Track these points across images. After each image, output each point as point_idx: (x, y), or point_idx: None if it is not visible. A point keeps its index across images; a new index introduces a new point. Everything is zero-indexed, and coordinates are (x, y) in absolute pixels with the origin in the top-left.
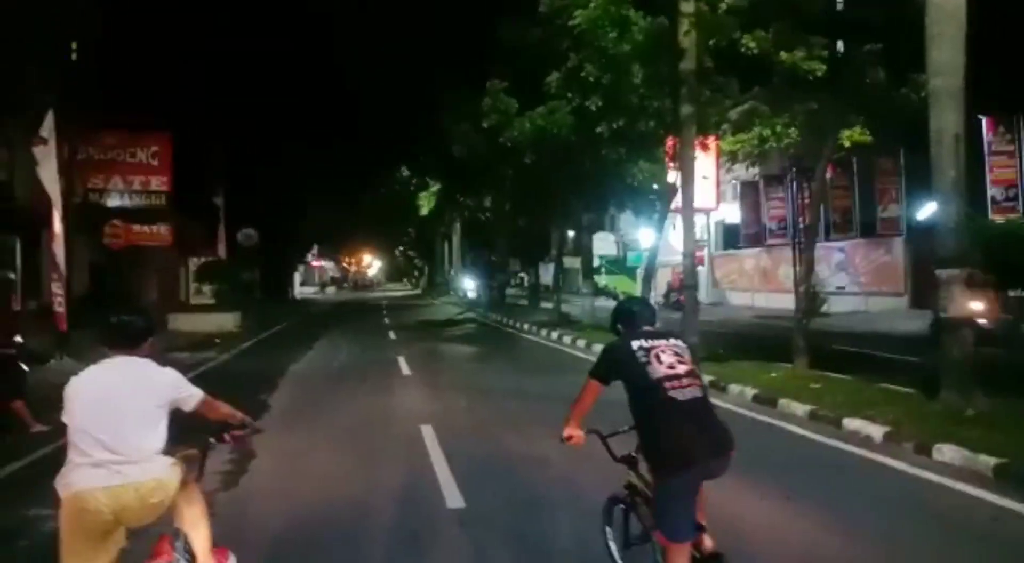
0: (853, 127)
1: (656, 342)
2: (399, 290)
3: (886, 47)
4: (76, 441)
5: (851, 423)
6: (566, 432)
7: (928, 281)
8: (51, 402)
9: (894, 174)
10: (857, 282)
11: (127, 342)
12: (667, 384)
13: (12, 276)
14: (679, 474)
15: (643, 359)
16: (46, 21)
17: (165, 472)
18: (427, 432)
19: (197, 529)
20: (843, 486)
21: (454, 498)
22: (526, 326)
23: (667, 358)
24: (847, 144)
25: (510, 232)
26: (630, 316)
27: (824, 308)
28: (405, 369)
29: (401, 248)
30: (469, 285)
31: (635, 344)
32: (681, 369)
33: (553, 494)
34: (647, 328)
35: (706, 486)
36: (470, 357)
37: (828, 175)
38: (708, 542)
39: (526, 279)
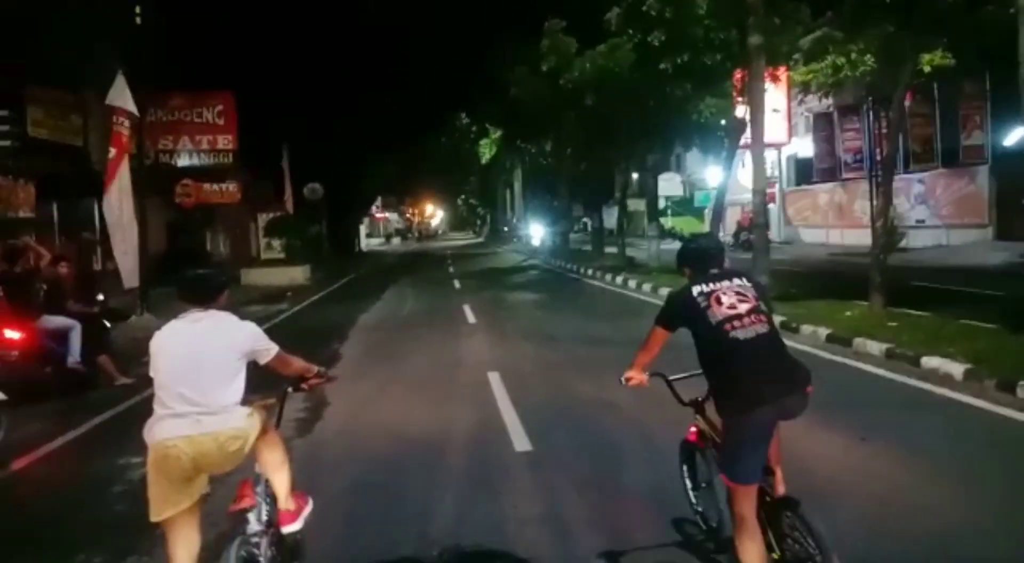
0: (933, 51)
1: (718, 284)
2: (462, 239)
3: None
4: (160, 394)
5: (930, 361)
6: (627, 374)
7: (1015, 211)
8: (133, 356)
9: (979, 99)
10: (938, 214)
11: (204, 296)
12: (727, 325)
13: (92, 237)
14: (746, 414)
15: (703, 304)
16: None
17: (243, 421)
18: (494, 378)
19: (278, 473)
20: (921, 426)
21: (522, 442)
22: (590, 271)
23: (727, 299)
24: (927, 69)
25: (572, 176)
26: (696, 255)
27: (903, 243)
28: (471, 317)
29: (463, 197)
30: (532, 232)
31: (696, 290)
32: (743, 308)
33: (621, 438)
34: (713, 271)
35: (779, 427)
36: (535, 304)
37: (907, 102)
38: (780, 487)
39: (589, 224)
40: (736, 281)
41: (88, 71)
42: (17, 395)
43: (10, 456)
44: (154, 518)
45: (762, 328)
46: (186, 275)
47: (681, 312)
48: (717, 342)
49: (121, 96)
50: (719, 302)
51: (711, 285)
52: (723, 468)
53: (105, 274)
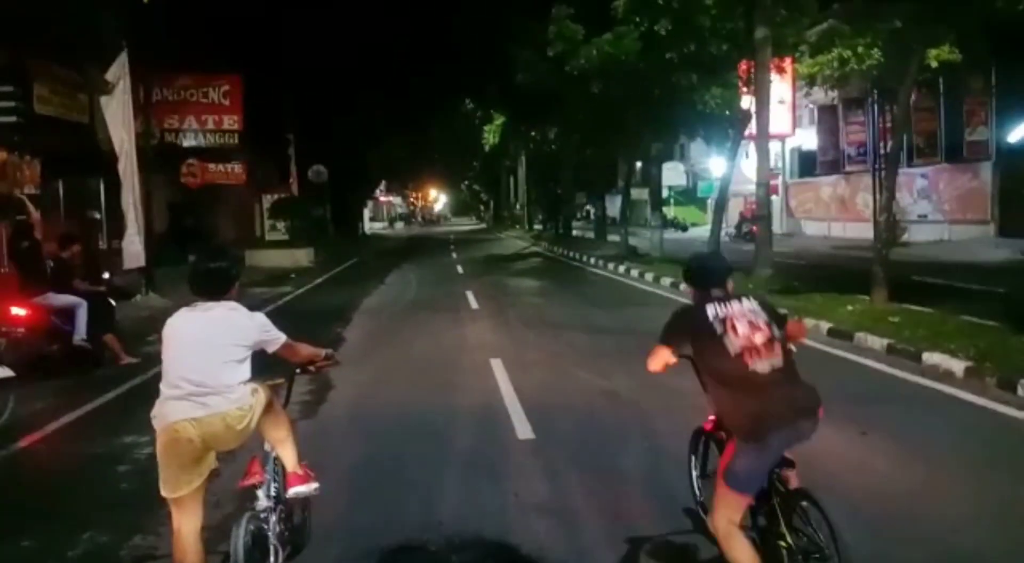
0: (940, 45)
1: (730, 308)
2: (465, 224)
3: None
4: (168, 377)
5: (931, 357)
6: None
7: (1018, 208)
8: (139, 335)
9: (984, 94)
10: (940, 210)
11: (216, 290)
12: (746, 357)
13: (97, 216)
14: (756, 442)
15: (719, 330)
16: None
17: (248, 400)
18: (496, 365)
19: (284, 447)
20: (921, 422)
21: (524, 429)
22: (592, 260)
23: (743, 328)
24: (934, 64)
25: (576, 164)
26: (702, 273)
27: (904, 237)
28: (473, 303)
29: (466, 182)
30: (535, 219)
31: (711, 312)
32: (758, 339)
33: (621, 426)
34: (717, 292)
35: None
36: (537, 291)
37: (912, 97)
38: (794, 480)
39: (592, 212)
40: (746, 304)
41: (94, 49)
42: (24, 372)
43: (18, 432)
44: (166, 495)
45: (776, 361)
46: (198, 269)
47: (691, 332)
48: (733, 373)
49: (123, 75)
50: (735, 331)
51: (725, 308)
52: (724, 475)
53: (108, 253)
